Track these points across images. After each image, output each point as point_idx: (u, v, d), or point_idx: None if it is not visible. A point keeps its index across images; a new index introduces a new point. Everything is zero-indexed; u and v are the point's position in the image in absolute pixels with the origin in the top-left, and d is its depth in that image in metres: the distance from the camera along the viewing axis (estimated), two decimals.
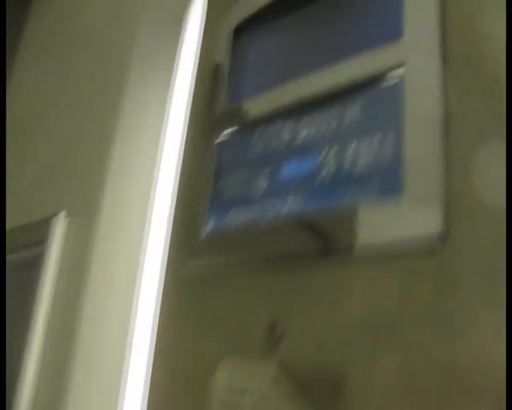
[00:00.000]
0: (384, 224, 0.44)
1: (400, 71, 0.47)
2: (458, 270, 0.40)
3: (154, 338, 0.68)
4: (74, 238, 0.90)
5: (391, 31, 0.49)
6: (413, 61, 0.46)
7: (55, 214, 0.87)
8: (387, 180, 0.45)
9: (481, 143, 0.41)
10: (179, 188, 0.71)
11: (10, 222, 1.00)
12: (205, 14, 0.75)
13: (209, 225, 0.63)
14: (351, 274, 0.47)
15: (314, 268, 0.50)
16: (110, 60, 1.00)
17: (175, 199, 0.72)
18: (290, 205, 0.53)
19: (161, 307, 0.70)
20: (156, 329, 0.69)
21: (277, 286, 0.53)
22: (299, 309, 0.50)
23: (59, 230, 0.86)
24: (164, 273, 0.72)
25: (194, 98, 0.73)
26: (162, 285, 0.71)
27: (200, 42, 0.75)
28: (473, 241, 0.40)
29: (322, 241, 0.48)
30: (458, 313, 0.39)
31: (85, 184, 0.92)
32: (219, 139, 0.64)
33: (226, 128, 0.64)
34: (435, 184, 0.42)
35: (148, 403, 0.64)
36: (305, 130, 0.54)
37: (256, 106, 0.60)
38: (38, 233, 0.87)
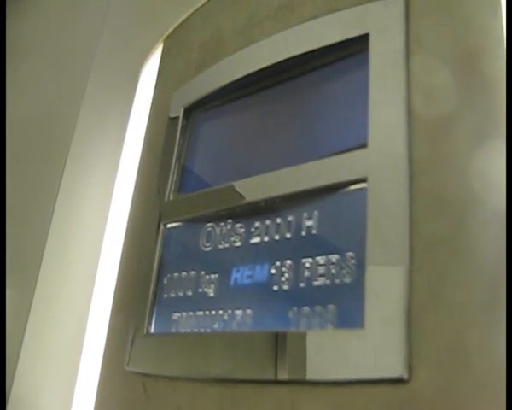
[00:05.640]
0: (339, 358, 0.38)
1: (363, 184, 0.42)
2: None
3: None
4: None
5: (355, 139, 0.44)
6: (377, 174, 0.41)
7: None
8: (345, 308, 0.40)
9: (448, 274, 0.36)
10: (119, 277, 0.64)
11: None
12: (155, 89, 0.70)
13: (151, 327, 0.56)
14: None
15: (262, 396, 0.44)
16: (55, 117, 0.94)
17: (116, 287, 0.65)
18: (240, 319, 0.47)
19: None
20: None
21: None
22: None
23: None
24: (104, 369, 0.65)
25: (140, 178, 0.67)
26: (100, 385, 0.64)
27: (150, 118, 0.69)
28: (437, 386, 0.35)
29: (271, 366, 0.42)
30: None
31: (19, 259, 0.85)
32: (165, 230, 0.58)
33: (174, 219, 0.58)
34: (400, 320, 0.36)
35: None
36: (257, 237, 0.48)
37: (206, 200, 0.54)
38: None
